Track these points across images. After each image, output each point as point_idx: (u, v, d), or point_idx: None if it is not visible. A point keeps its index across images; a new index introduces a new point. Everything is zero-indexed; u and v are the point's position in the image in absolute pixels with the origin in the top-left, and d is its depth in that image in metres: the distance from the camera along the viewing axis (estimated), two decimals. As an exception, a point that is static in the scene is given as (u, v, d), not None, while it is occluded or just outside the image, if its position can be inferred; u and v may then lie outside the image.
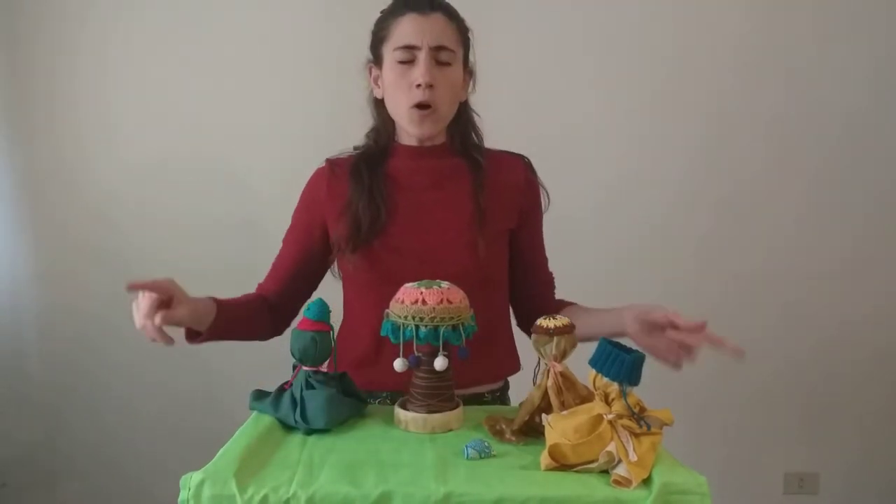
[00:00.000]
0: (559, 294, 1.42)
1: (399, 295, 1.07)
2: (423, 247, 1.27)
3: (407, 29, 1.22)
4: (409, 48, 1.22)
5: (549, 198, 1.37)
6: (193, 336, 1.22)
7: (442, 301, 1.04)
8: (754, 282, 2.51)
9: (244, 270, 1.43)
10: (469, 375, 1.27)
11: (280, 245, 1.39)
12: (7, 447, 2.49)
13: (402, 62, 1.23)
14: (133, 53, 2.38)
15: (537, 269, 1.39)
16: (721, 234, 2.50)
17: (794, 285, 2.52)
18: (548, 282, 1.41)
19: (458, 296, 1.07)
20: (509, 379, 1.41)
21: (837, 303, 2.53)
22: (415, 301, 1.05)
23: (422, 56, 1.22)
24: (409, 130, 1.28)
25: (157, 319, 1.07)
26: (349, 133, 1.36)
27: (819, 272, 2.52)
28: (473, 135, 1.36)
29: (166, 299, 1.10)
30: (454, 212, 1.29)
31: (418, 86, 1.22)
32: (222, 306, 1.24)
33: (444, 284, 1.07)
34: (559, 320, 1.02)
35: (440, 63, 1.23)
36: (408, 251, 1.27)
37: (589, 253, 2.37)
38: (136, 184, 2.42)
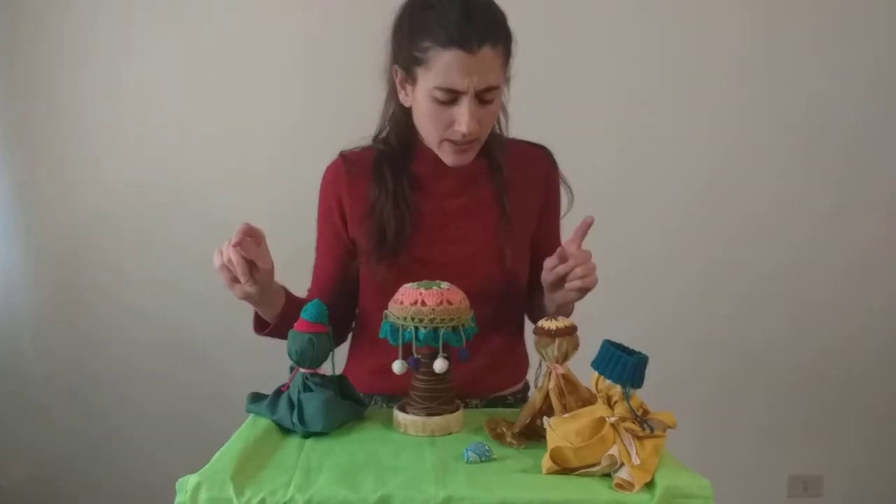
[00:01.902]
0: None
1: (398, 296, 1.06)
2: (449, 259, 1.22)
3: (451, 69, 1.08)
4: (452, 91, 1.10)
5: (572, 195, 1.31)
6: (262, 326, 1.20)
7: (441, 302, 1.03)
8: (759, 285, 2.50)
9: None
10: (495, 382, 1.27)
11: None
12: (6, 447, 2.48)
13: (441, 101, 1.12)
14: (130, 54, 2.38)
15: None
16: (729, 236, 2.48)
17: (798, 289, 2.51)
18: None
19: (458, 297, 1.06)
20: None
21: (842, 306, 2.51)
22: (414, 302, 1.03)
23: (466, 100, 1.10)
24: (442, 159, 1.21)
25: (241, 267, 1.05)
26: (344, 145, 1.31)
27: (824, 276, 2.50)
28: (497, 131, 1.27)
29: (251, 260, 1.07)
30: (480, 220, 1.24)
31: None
32: (292, 295, 1.21)
33: (444, 285, 1.06)
34: (561, 322, 1.01)
35: (483, 102, 1.12)
36: (433, 263, 1.21)
37: (600, 252, 2.35)
38: (135, 185, 2.40)
